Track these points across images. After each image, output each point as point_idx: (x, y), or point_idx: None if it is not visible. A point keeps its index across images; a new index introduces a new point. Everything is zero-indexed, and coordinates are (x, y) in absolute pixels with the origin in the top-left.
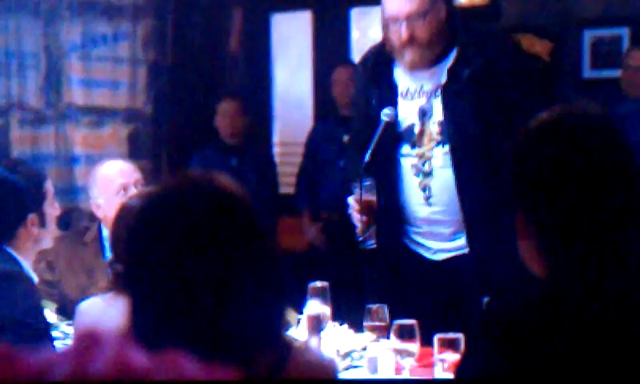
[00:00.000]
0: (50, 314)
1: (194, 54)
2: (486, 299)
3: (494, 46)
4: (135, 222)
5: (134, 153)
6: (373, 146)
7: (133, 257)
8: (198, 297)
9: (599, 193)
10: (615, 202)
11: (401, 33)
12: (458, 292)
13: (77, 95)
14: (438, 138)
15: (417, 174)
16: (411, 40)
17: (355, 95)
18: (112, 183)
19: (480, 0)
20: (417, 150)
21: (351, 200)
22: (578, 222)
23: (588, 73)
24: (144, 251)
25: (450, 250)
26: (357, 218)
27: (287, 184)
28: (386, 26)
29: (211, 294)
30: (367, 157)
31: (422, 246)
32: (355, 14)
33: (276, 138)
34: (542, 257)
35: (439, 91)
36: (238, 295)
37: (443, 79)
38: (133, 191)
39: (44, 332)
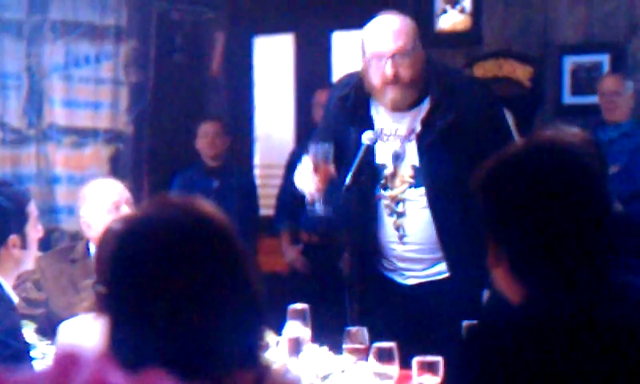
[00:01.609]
0: (30, 334)
1: (176, 76)
2: (465, 323)
3: (466, 100)
4: (115, 246)
5: (115, 173)
6: (354, 169)
7: (112, 279)
8: (176, 318)
9: (570, 219)
10: (586, 227)
11: (385, 70)
12: (429, 315)
13: (58, 115)
14: (410, 180)
15: (390, 214)
16: (395, 78)
17: (327, 121)
18: (103, 202)
19: (462, 26)
20: (389, 192)
21: (306, 160)
22: (550, 247)
23: (568, 99)
24: (123, 274)
25: (421, 277)
26: (309, 179)
27: (268, 206)
28: (367, 64)
29: (189, 316)
30: (348, 179)
31: (395, 272)
32: (337, 37)
33: (257, 159)
34: (516, 283)
35: (413, 136)
36: (216, 316)
37: (417, 126)
38: (124, 209)
39: (23, 352)
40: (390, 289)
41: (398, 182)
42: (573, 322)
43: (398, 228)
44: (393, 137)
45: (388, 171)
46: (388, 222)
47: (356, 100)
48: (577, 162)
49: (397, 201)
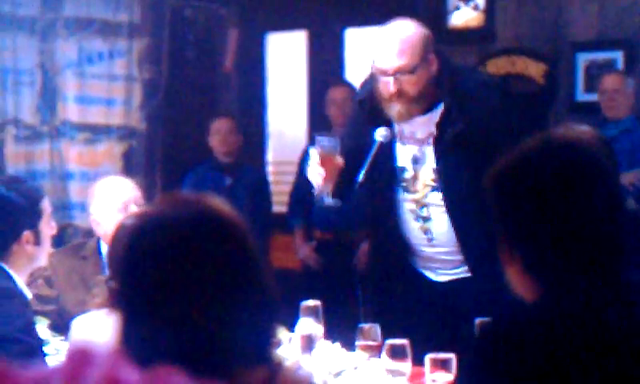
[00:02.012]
0: (43, 330)
1: (189, 73)
2: (478, 320)
3: (479, 105)
4: (128, 242)
5: (128, 170)
6: (367, 165)
7: (125, 275)
8: (188, 315)
9: (583, 216)
10: (597, 226)
11: (389, 86)
12: (459, 311)
13: (72, 112)
14: (433, 183)
15: (416, 219)
16: (399, 94)
17: (352, 128)
18: (112, 200)
19: (475, 22)
20: (412, 196)
21: (313, 152)
22: (563, 245)
23: (581, 96)
24: (136, 270)
25: (452, 275)
26: (316, 171)
27: (281, 203)
28: (375, 76)
29: (201, 313)
30: (361, 176)
31: (427, 269)
32: (350, 34)
33: (270, 156)
34: (529, 281)
35: (431, 140)
36: (229, 313)
37: (434, 130)
38: (133, 208)
39: (37, 348)
40: (421, 284)
41: (419, 185)
42: (586, 320)
43: (425, 231)
44: (412, 140)
45: (409, 175)
46: (415, 226)
47: (374, 103)
48: (589, 160)
49: (421, 205)
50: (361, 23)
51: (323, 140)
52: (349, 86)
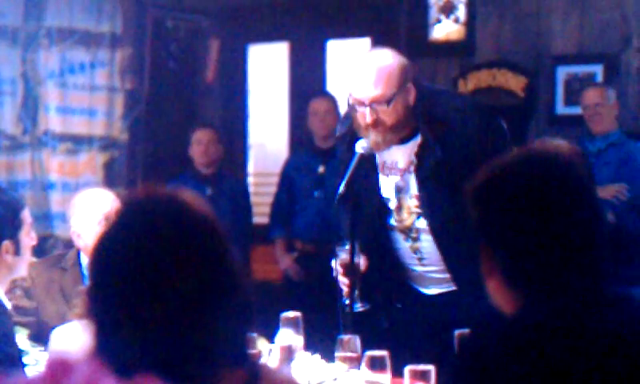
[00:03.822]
0: (23, 341)
1: (171, 83)
2: (457, 332)
3: (457, 132)
4: (101, 247)
5: (109, 180)
6: (347, 177)
7: (99, 281)
8: (164, 319)
9: (562, 228)
10: (577, 238)
11: (365, 117)
12: (450, 323)
13: (53, 122)
14: (418, 210)
15: (406, 240)
16: (375, 124)
17: (338, 160)
18: (93, 213)
19: (456, 36)
20: (400, 224)
21: (335, 264)
22: (542, 257)
23: (561, 109)
24: (109, 274)
25: (443, 288)
26: (342, 281)
27: (262, 214)
28: (352, 106)
29: (177, 315)
30: (341, 188)
31: (418, 285)
32: (331, 45)
33: (251, 167)
34: (509, 293)
35: (412, 168)
36: (205, 315)
37: (414, 159)
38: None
39: (16, 358)
40: (412, 296)
41: (405, 214)
42: (565, 333)
43: (415, 251)
44: (394, 170)
45: (393, 205)
46: (405, 246)
47: (353, 136)
48: (568, 172)
49: (409, 228)
50: (343, 35)
51: (343, 250)
52: (330, 97)
